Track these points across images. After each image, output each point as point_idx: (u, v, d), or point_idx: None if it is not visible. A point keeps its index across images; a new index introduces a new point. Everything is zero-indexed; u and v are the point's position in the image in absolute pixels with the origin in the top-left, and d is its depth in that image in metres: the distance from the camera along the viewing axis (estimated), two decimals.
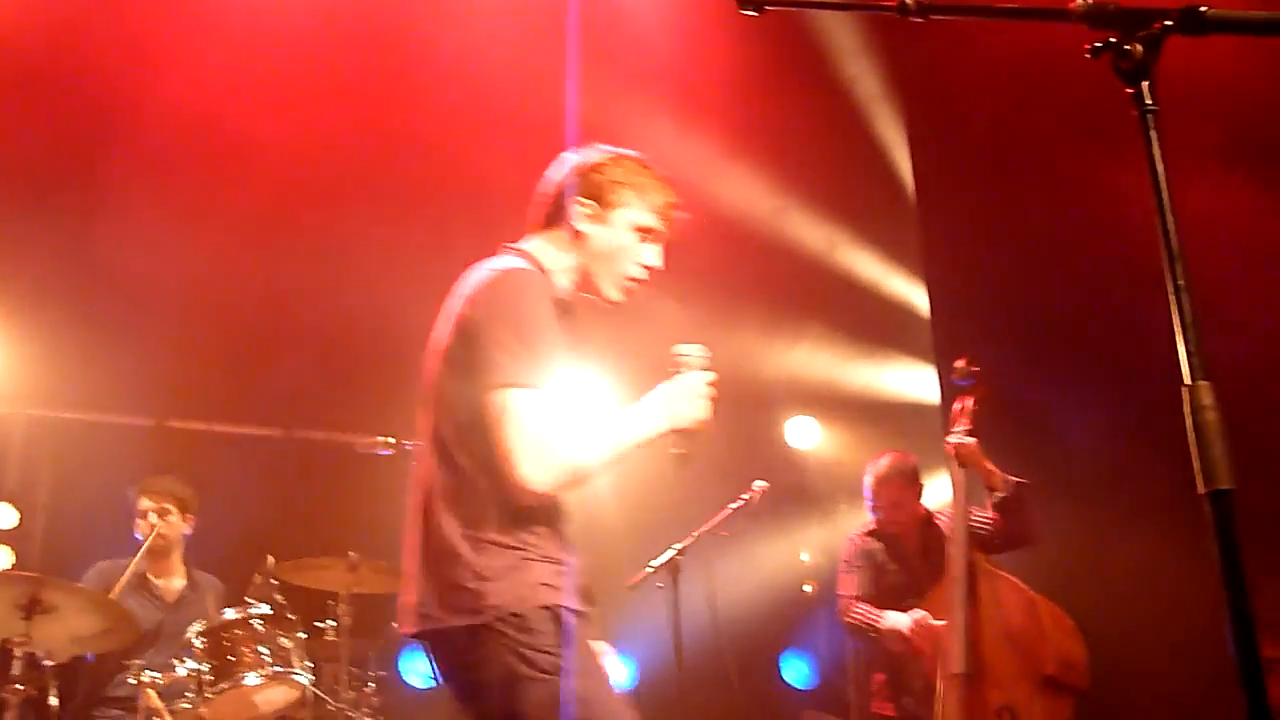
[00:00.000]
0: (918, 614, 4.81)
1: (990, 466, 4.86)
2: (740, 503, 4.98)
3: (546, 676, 2.43)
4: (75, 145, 5.90)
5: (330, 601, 5.03)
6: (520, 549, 2.52)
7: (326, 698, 4.70)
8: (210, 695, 4.38)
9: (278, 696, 4.60)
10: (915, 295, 7.39)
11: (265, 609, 4.57)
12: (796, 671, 7.59)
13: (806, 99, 6.90)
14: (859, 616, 5.03)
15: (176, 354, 6.23)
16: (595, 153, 2.83)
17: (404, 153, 6.52)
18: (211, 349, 6.37)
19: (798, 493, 7.36)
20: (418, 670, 6.60)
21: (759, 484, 5.00)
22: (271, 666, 4.49)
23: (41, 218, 5.95)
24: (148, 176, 5.98)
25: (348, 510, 6.30)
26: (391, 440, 5.23)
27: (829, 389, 7.45)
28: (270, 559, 4.75)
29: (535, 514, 2.55)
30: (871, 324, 7.39)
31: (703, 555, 5.02)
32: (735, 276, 6.95)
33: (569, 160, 2.83)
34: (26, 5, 5.72)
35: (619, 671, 2.90)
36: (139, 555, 5.07)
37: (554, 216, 2.78)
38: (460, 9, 6.31)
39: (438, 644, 2.59)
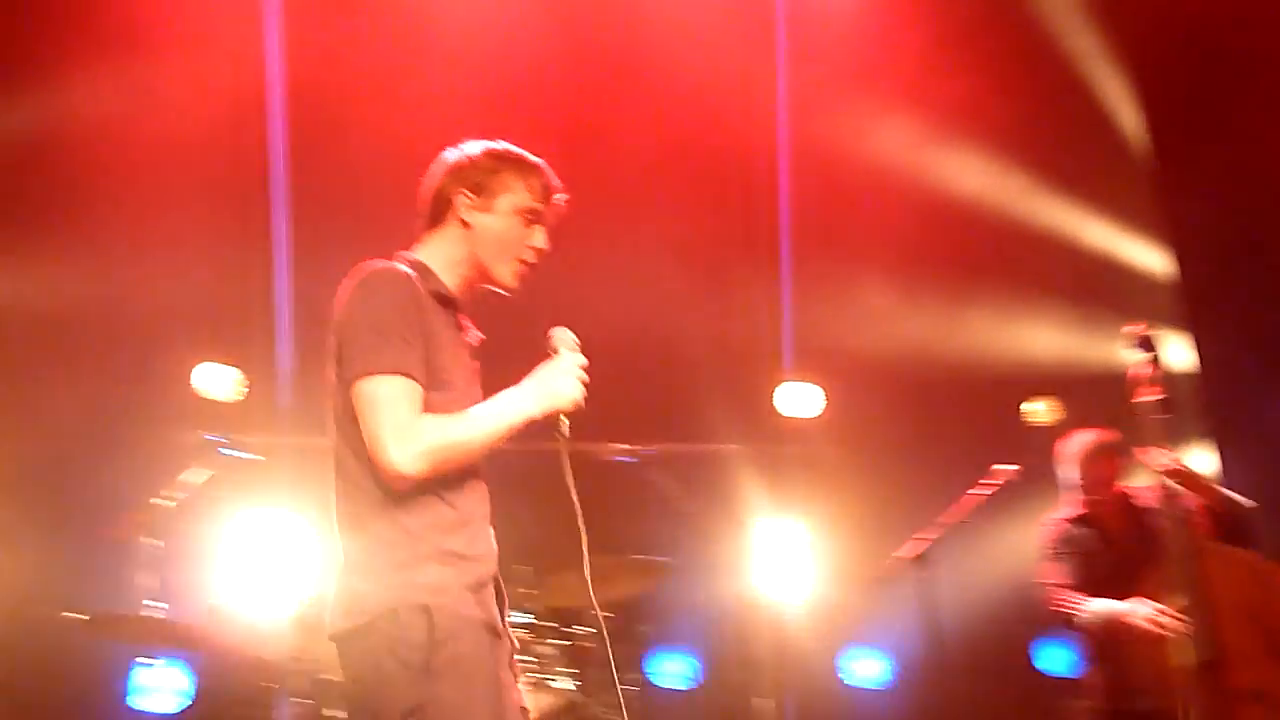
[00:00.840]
0: (1136, 600, 4.51)
1: (1210, 485, 4.53)
2: (986, 489, 4.84)
3: (410, 675, 2.46)
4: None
5: (583, 608, 5.13)
6: (404, 545, 2.56)
7: (589, 702, 4.79)
8: None
9: (542, 703, 4.71)
10: (1156, 262, 7.04)
11: (525, 618, 4.69)
12: (1055, 659, 7.31)
13: (1015, 68, 6.68)
14: (1066, 606, 4.76)
15: None
16: (471, 144, 2.88)
17: (609, 154, 6.66)
18: None
19: (1043, 474, 7.10)
20: (670, 673, 6.68)
21: (1004, 468, 4.85)
22: (533, 674, 4.61)
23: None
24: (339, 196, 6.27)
25: (592, 518, 6.41)
26: (631, 447, 5.33)
27: (1069, 366, 7.17)
28: (526, 569, 4.87)
29: (424, 505, 2.58)
30: (1110, 296, 7.08)
31: (952, 544, 4.90)
32: (964, 259, 6.79)
33: (445, 157, 2.87)
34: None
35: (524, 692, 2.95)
36: None
37: (438, 214, 2.83)
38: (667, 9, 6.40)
39: (339, 652, 2.62)
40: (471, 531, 2.67)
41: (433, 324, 2.67)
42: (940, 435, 6.84)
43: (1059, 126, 6.84)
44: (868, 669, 7.16)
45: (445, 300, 2.76)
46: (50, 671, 5.93)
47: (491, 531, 2.79)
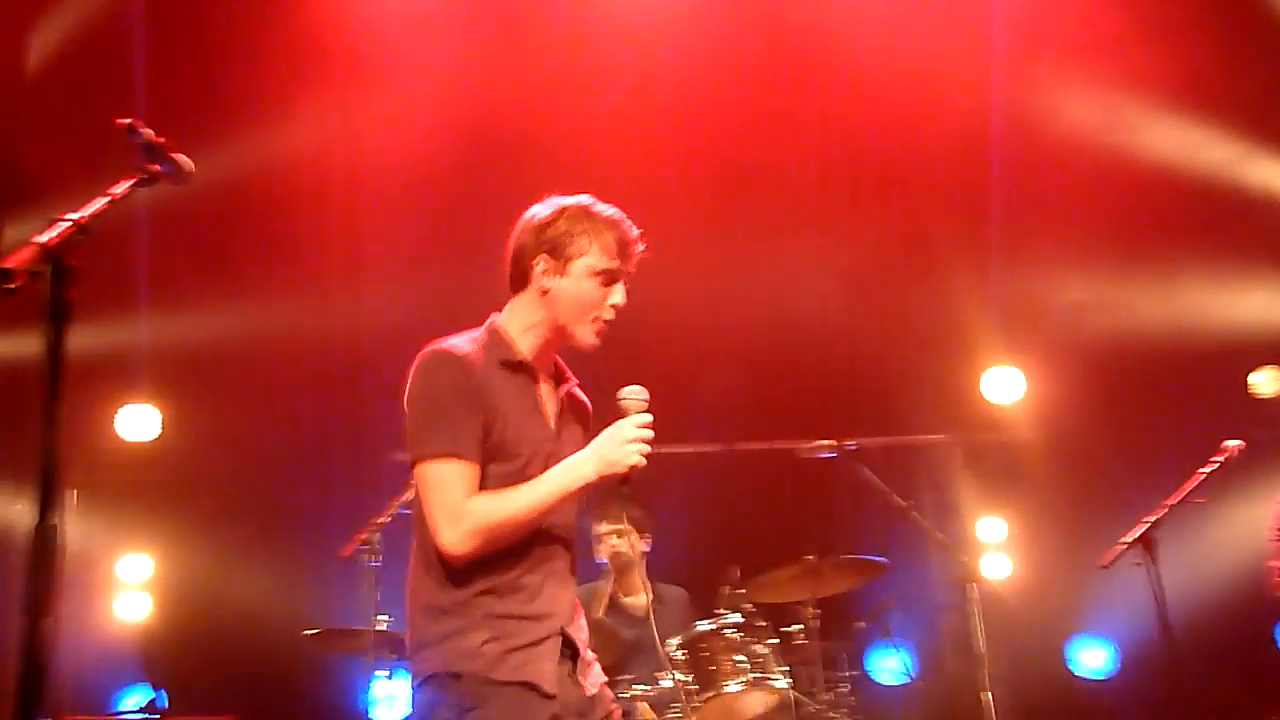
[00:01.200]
0: None
1: None
2: (1214, 465, 4.61)
3: None
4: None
5: (797, 606, 5.12)
6: (454, 615, 2.72)
7: (806, 700, 4.78)
8: (697, 704, 4.57)
9: (758, 702, 4.72)
10: None
11: (736, 618, 4.71)
12: None
13: (1220, 28, 6.36)
14: None
15: (622, 385, 6.61)
16: (545, 208, 2.90)
17: (811, 142, 6.64)
18: (646, 371, 6.69)
19: (1273, 449, 6.72)
20: (887, 668, 6.59)
21: (1232, 443, 4.61)
22: (750, 673, 4.62)
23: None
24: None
25: (796, 514, 6.41)
26: (831, 442, 5.29)
27: None
28: (734, 569, 4.89)
29: (479, 574, 2.72)
30: None
31: (1178, 526, 4.68)
32: (1177, 229, 6.52)
33: (525, 218, 2.91)
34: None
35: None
36: (604, 577, 5.42)
37: (518, 279, 2.89)
38: None
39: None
40: (529, 593, 2.77)
41: (494, 398, 2.76)
42: (1160, 412, 6.57)
43: (1268, 87, 6.48)
44: (1094, 659, 6.93)
45: (517, 367, 2.85)
46: (293, 687, 6.27)
47: (567, 585, 2.87)
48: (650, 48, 6.55)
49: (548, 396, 2.91)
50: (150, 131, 2.44)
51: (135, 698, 6.29)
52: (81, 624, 6.56)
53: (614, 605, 5.48)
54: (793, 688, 4.71)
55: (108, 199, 2.27)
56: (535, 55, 6.54)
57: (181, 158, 2.46)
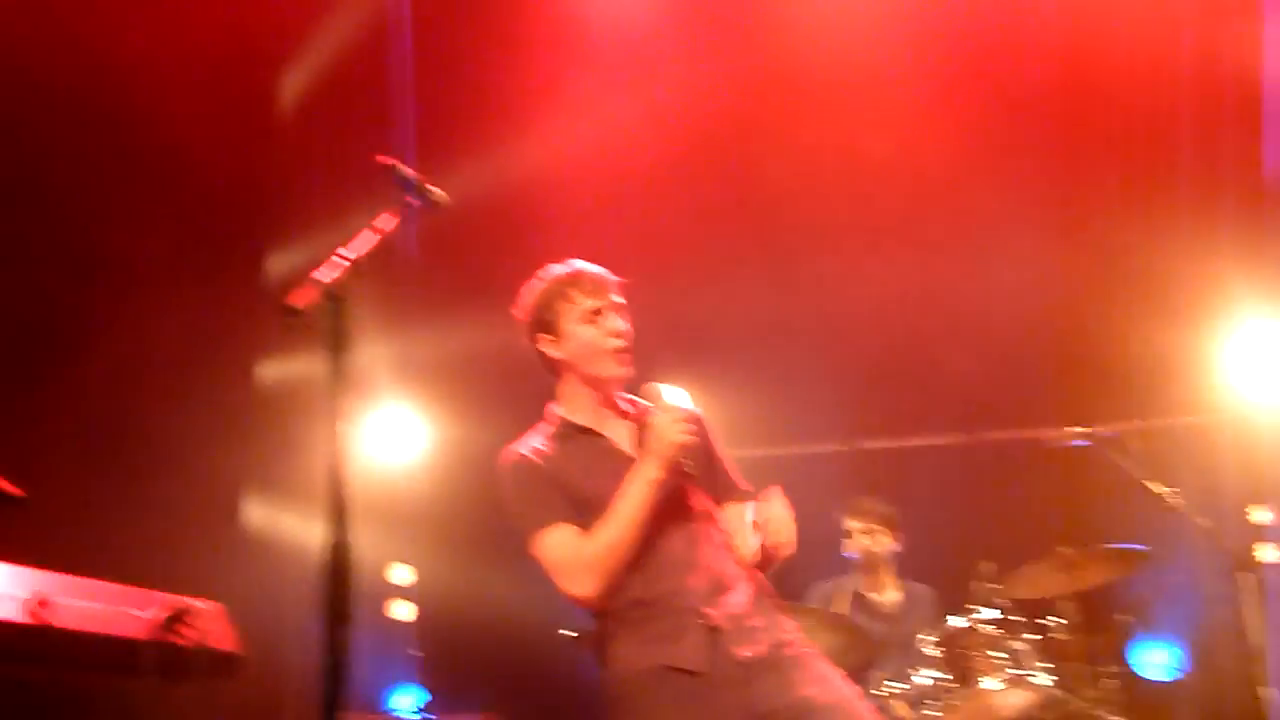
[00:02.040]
0: None
1: None
2: None
3: None
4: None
5: (1054, 600, 4.98)
6: (610, 640, 3.00)
7: (1070, 697, 4.64)
8: (954, 702, 4.51)
9: (1017, 699, 4.62)
10: None
11: (992, 614, 4.62)
12: None
13: None
14: None
15: (862, 377, 6.60)
16: (519, 308, 3.19)
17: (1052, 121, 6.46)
18: (886, 366, 6.65)
19: None
20: (1153, 663, 6.32)
21: None
22: (1008, 670, 4.53)
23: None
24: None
25: (1046, 506, 6.23)
26: (1084, 429, 5.13)
27: None
28: (988, 564, 4.80)
29: (616, 599, 2.96)
30: None
31: None
32: None
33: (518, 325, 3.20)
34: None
35: None
36: (851, 573, 5.41)
37: (547, 368, 3.18)
38: None
39: None
40: (648, 579, 2.98)
41: (564, 468, 3.03)
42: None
43: None
44: None
45: (575, 432, 3.11)
46: (553, 686, 6.48)
47: (701, 567, 3.02)
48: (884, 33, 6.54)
49: (626, 436, 3.13)
50: (408, 169, 2.61)
51: (406, 697, 6.64)
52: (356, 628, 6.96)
53: (861, 602, 5.46)
54: (1056, 685, 4.59)
55: (376, 235, 2.45)
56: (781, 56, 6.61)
57: (437, 192, 2.62)
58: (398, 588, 7.12)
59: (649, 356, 3.21)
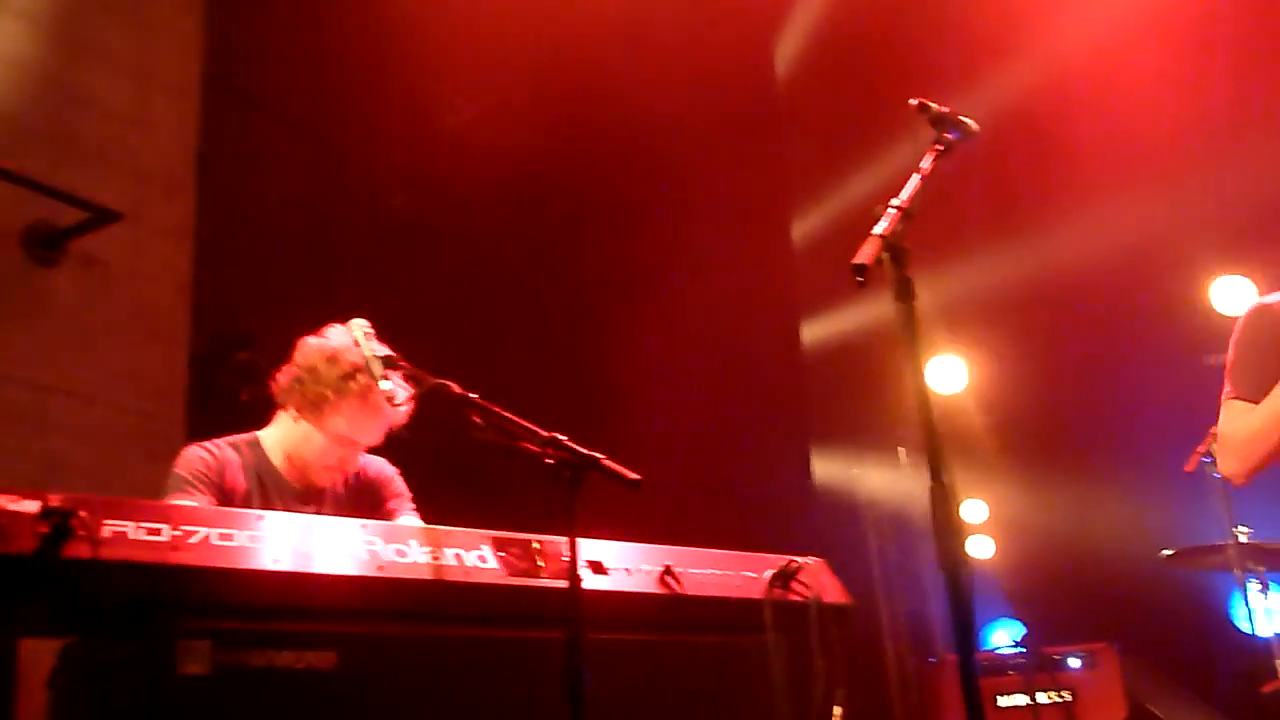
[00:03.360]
0: None
1: None
2: None
3: None
4: None
5: None
6: None
7: None
8: None
9: None
10: None
11: None
12: None
13: None
14: None
15: None
16: None
17: None
18: None
19: None
20: None
21: None
22: None
23: None
24: None
25: None
26: None
27: None
28: None
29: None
30: None
31: None
32: None
33: None
34: None
35: None
36: None
37: None
38: None
39: None
40: None
41: None
42: None
43: None
44: None
45: None
46: (1156, 608, 6.18)
47: None
48: None
49: None
50: (937, 105, 2.58)
51: (1001, 632, 6.58)
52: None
53: None
54: None
55: (918, 178, 2.43)
56: None
57: (969, 122, 2.56)
58: (973, 524, 7.08)
59: None
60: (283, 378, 3.22)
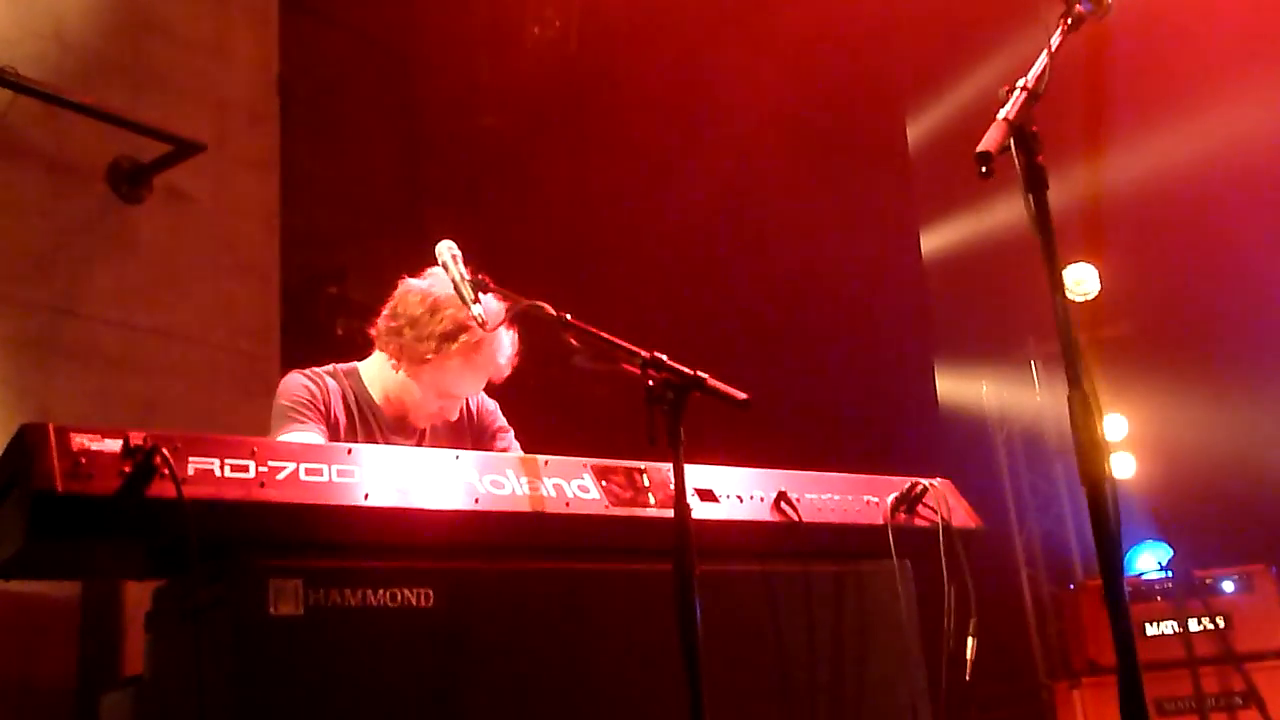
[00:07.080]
0: None
1: None
2: None
3: None
4: None
5: None
6: None
7: None
8: None
9: None
10: None
11: None
12: None
13: None
14: None
15: None
16: None
17: None
18: None
19: None
20: None
21: None
22: None
23: None
24: None
25: None
26: None
27: None
28: None
29: None
30: None
31: None
32: None
33: None
34: None
35: None
36: None
37: None
38: None
39: None
40: None
41: None
42: None
43: None
44: None
45: None
46: None
47: None
48: None
49: None
50: None
51: (1147, 555, 6.27)
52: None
53: None
54: None
55: (1046, 55, 2.20)
56: None
57: None
58: (1113, 441, 6.76)
59: None
60: (382, 322, 3.10)
